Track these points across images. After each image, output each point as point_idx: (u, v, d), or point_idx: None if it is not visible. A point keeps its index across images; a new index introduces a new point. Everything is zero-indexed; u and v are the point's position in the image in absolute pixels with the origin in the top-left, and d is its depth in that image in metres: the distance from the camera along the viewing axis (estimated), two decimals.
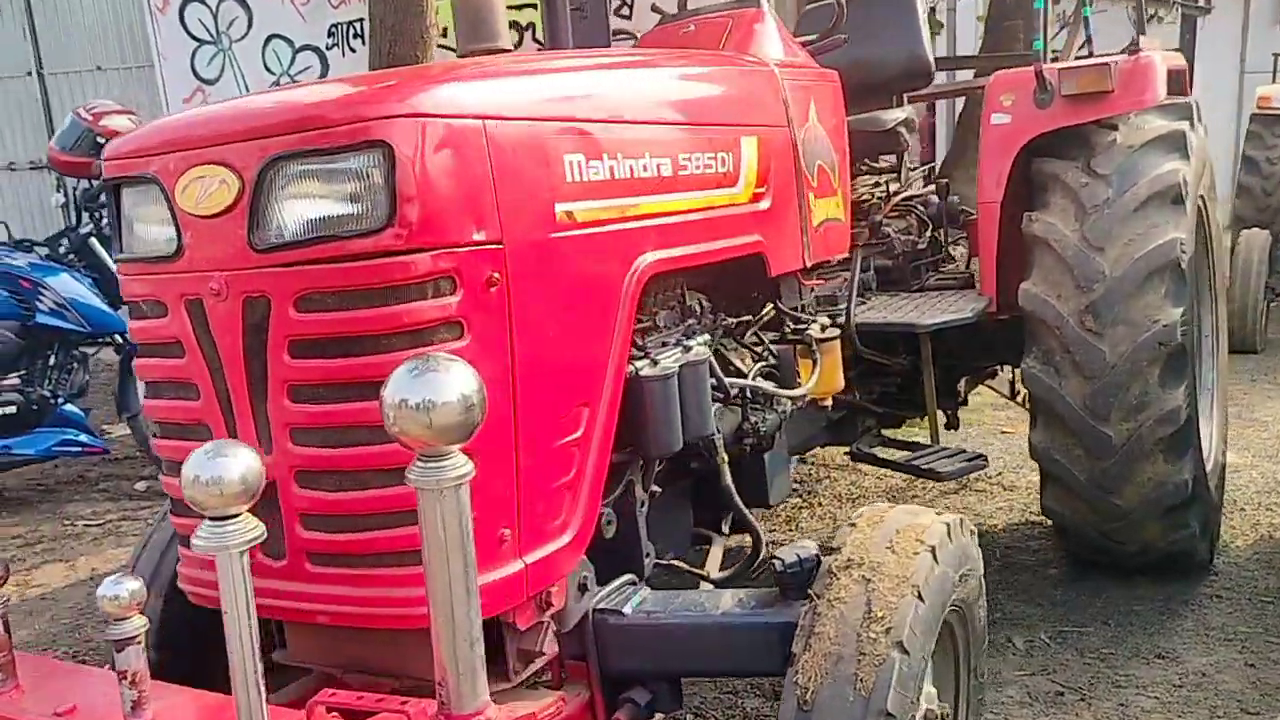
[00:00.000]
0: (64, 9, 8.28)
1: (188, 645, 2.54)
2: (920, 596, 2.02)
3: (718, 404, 2.70)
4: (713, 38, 3.26)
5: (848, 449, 4.20)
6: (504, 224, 1.89)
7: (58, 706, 1.64)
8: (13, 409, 5.41)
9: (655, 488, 2.62)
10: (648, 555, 2.51)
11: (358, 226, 1.77)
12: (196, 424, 1.98)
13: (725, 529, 3.42)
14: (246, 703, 1.44)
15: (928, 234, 4.49)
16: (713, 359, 2.57)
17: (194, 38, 7.61)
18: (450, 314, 1.81)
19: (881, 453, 4.15)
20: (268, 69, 7.54)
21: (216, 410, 1.94)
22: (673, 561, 2.67)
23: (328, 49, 7.31)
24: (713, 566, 2.86)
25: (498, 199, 1.89)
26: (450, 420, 1.44)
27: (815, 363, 2.99)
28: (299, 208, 1.79)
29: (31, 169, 8.73)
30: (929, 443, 4.15)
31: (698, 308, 2.71)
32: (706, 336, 2.66)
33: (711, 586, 2.76)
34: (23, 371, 5.55)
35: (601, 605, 2.30)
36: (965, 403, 5.23)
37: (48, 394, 5.58)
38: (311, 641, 2.22)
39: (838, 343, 3.05)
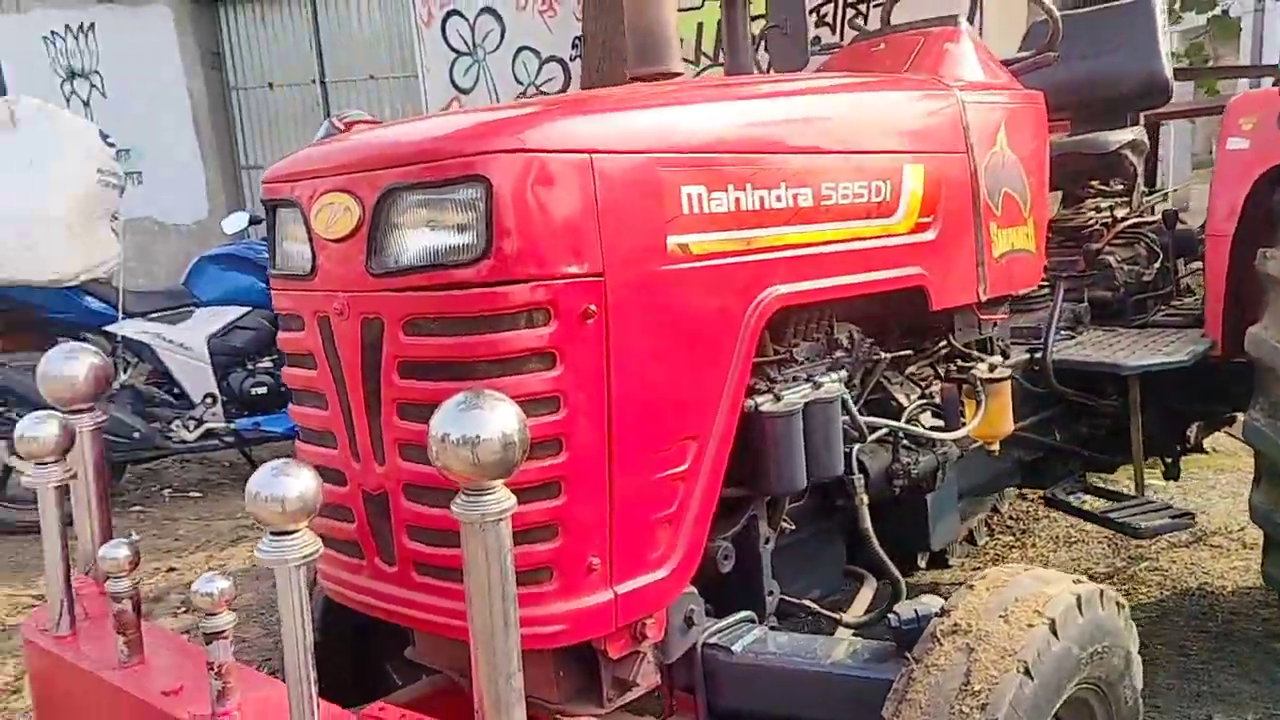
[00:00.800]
0: (345, 23, 9.05)
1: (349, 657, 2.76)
2: (1028, 673, 1.87)
3: (861, 443, 2.61)
4: (901, 58, 3.14)
5: (1043, 494, 3.92)
6: (606, 256, 1.91)
7: (167, 685, 1.81)
8: (264, 389, 5.97)
9: (789, 524, 2.56)
10: (770, 593, 2.46)
11: (460, 257, 1.84)
12: (325, 431, 2.12)
13: (921, 561, 3.26)
14: (299, 700, 1.54)
15: (1156, 265, 4.12)
16: (847, 396, 2.48)
17: (453, 49, 8.10)
18: (543, 344, 1.85)
19: (1079, 501, 3.85)
20: (517, 79, 7.91)
21: (340, 421, 2.07)
22: (804, 601, 2.60)
23: (571, 60, 7.58)
24: (858, 609, 2.76)
25: (601, 231, 1.90)
26: (490, 457, 1.47)
27: (980, 403, 2.82)
28: (409, 236, 1.88)
29: None
30: (1135, 494, 3.81)
31: (846, 340, 2.62)
32: (844, 372, 2.57)
33: (848, 631, 2.67)
34: (275, 356, 6.11)
35: (712, 640, 2.28)
36: (1201, 449, 4.78)
37: None
38: (433, 644, 2.33)
39: (1007, 384, 2.86)
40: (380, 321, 1.93)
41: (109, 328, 5.65)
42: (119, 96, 8.86)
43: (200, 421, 5.74)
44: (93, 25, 9.98)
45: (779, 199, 2.26)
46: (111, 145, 5.70)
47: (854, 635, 2.57)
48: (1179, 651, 3.87)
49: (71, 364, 2.18)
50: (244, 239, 6.96)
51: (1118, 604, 2.17)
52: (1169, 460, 4.15)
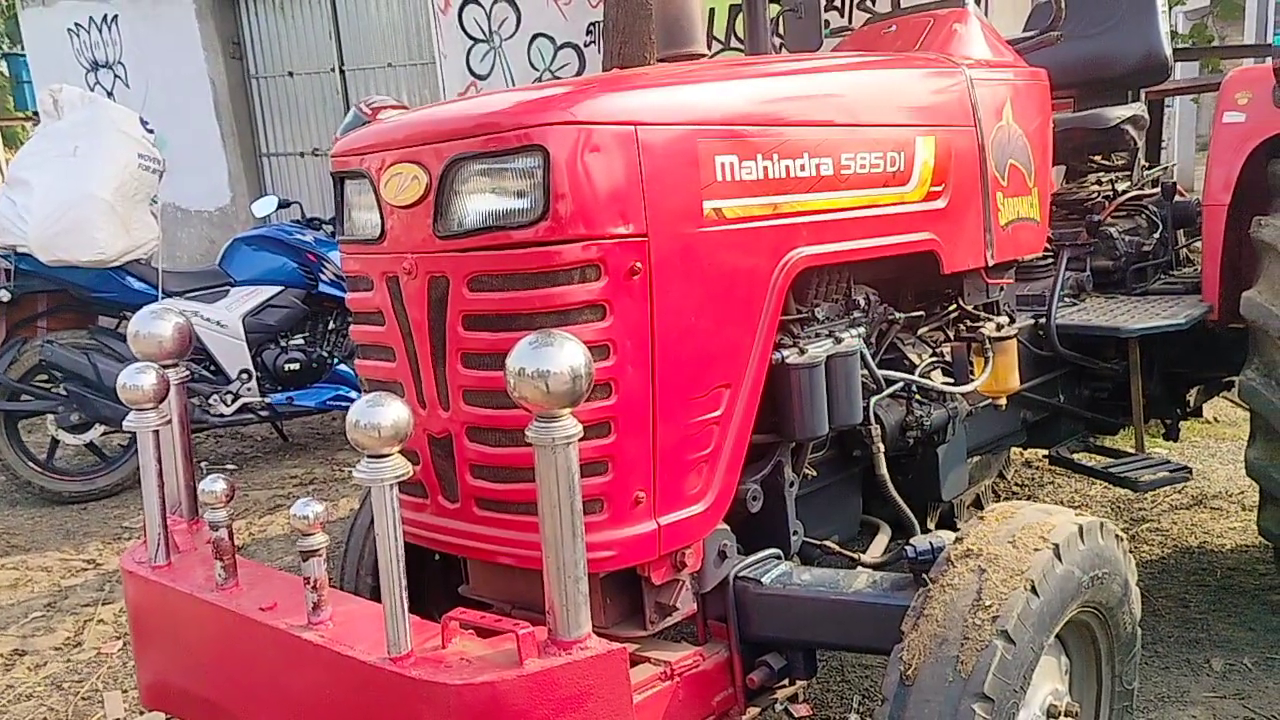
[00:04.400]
0: (363, 12, 9.23)
1: None
2: (1034, 590, 2.07)
3: (880, 396, 2.81)
4: (912, 38, 3.33)
5: (1047, 452, 4.13)
6: (650, 219, 2.11)
7: (263, 603, 2.03)
8: (297, 365, 6.19)
9: (811, 471, 2.77)
10: (795, 533, 2.66)
11: (519, 219, 2.05)
12: (393, 382, 2.33)
13: (931, 522, 3.46)
14: (392, 609, 1.75)
15: (1155, 236, 4.31)
16: (865, 351, 2.68)
17: (470, 36, 8.28)
18: (594, 297, 2.06)
19: (1081, 458, 4.06)
20: (532, 65, 8.09)
21: (408, 371, 2.28)
22: (826, 542, 2.80)
23: (585, 46, 7.76)
24: (874, 552, 2.97)
25: (645, 196, 2.11)
26: (560, 387, 1.68)
27: (987, 361, 3.03)
28: (473, 201, 2.09)
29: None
30: (1136, 451, 4.01)
31: (863, 301, 2.82)
32: (862, 330, 2.77)
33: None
34: (306, 334, 6.34)
35: (743, 573, 2.49)
36: (1199, 414, 4.97)
37: (326, 354, 6.34)
38: (488, 578, 2.54)
39: (1013, 343, 3.06)
40: (446, 279, 2.14)
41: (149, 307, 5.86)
42: (142, 87, 9.07)
43: (236, 396, 5.96)
44: (115, 17, 10.17)
45: (803, 168, 2.46)
46: (151, 132, 5.91)
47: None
48: (1179, 604, 4.08)
49: (159, 323, 2.39)
50: (272, 221, 7.18)
51: (1116, 536, 2.37)
52: (1169, 422, 4.34)
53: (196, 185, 9.86)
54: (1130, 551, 2.42)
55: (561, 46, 7.93)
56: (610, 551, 2.15)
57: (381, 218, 2.25)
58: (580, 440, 2.02)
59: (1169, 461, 3.86)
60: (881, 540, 3.05)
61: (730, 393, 2.34)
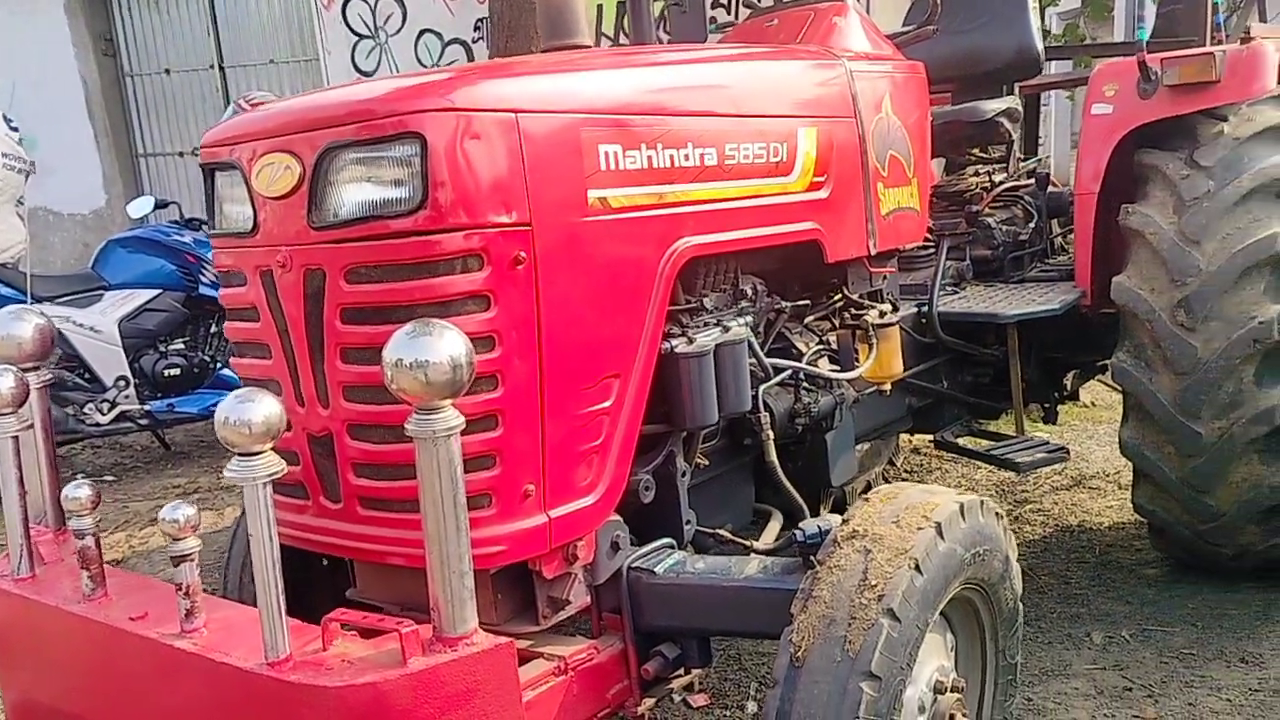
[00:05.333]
0: (242, 7, 8.98)
1: None
2: (918, 569, 2.11)
3: (768, 384, 2.83)
4: (793, 31, 3.37)
5: (933, 437, 4.23)
6: (533, 208, 2.09)
7: (133, 613, 1.94)
8: (178, 370, 5.99)
9: (702, 460, 2.77)
10: (688, 522, 2.67)
11: (397, 209, 2.00)
12: (270, 380, 2.25)
13: (824, 509, 3.51)
14: (269, 615, 1.69)
15: (1031, 225, 4.45)
16: (753, 339, 2.70)
17: (355, 33, 8.13)
18: (477, 288, 2.02)
19: (965, 442, 4.17)
20: (420, 61, 7.98)
21: (285, 369, 2.21)
22: (719, 531, 2.81)
23: (473, 42, 7.69)
24: (766, 539, 2.99)
25: (528, 185, 2.08)
26: (440, 378, 1.65)
27: (871, 348, 3.08)
28: (349, 191, 2.03)
29: None
30: (1016, 434, 4.14)
31: (750, 291, 2.84)
32: (749, 319, 2.79)
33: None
34: (187, 338, 6.13)
35: (636, 564, 2.48)
36: (1076, 397, 5.16)
37: (208, 359, 6.15)
38: (376, 580, 2.48)
39: (896, 330, 3.13)
40: (323, 272, 2.08)
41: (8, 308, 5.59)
42: (8, 85, 8.64)
43: (113, 404, 5.73)
44: None
45: (687, 158, 2.47)
46: (15, 130, 5.64)
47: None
48: (1061, 580, 4.22)
49: (18, 325, 2.27)
50: (150, 223, 6.92)
51: (996, 513, 2.43)
52: (1047, 406, 4.49)
53: (69, 187, 9.46)
54: (1010, 529, 2.48)
55: (449, 42, 7.84)
56: (499, 546, 2.12)
57: (254, 210, 2.17)
58: (466, 434, 1.99)
59: (1047, 443, 4.00)
60: (774, 527, 3.08)
61: (620, 383, 2.33)
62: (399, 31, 7.97)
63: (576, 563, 2.30)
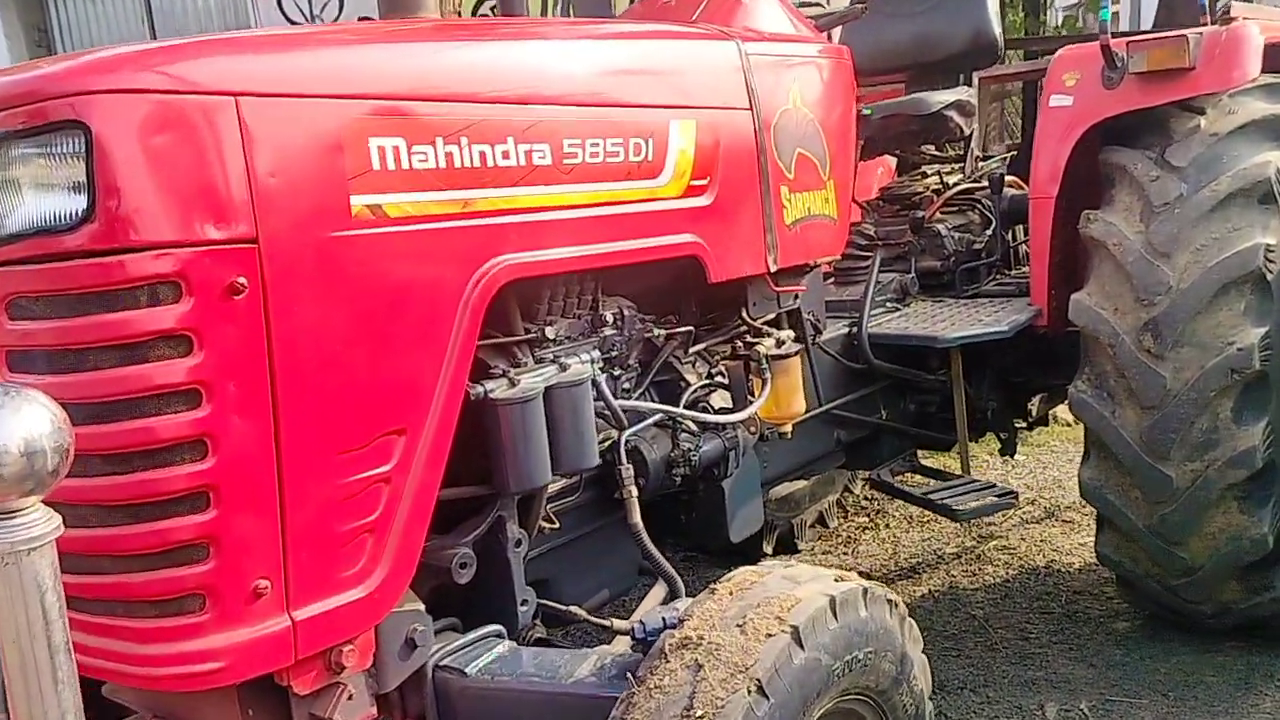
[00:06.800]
0: None
1: None
2: (762, 692, 1.62)
3: (630, 431, 2.34)
4: (688, 10, 2.88)
5: (866, 475, 3.72)
6: (261, 219, 1.60)
7: None
8: None
9: (549, 524, 2.29)
10: (524, 602, 2.18)
11: (63, 221, 1.51)
12: None
13: (768, 546, 2.98)
14: None
15: (988, 233, 3.95)
16: (599, 379, 2.20)
17: (290, 20, 7.68)
18: (172, 325, 1.53)
19: (903, 482, 3.67)
20: None
21: None
22: (571, 608, 2.33)
23: None
24: (638, 616, 2.51)
25: (254, 190, 1.59)
26: (12, 468, 1.15)
27: (765, 383, 2.58)
28: (8, 199, 1.55)
29: None
30: (961, 473, 3.63)
31: (613, 317, 2.35)
32: (610, 352, 2.30)
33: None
34: None
35: (445, 662, 2.00)
36: (1044, 422, 4.66)
37: None
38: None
39: (796, 362, 2.62)
40: None
41: None
42: None
43: None
44: None
45: (506, 155, 1.98)
46: None
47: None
48: (1019, 635, 3.73)
49: None
50: None
51: (889, 601, 1.94)
52: (1003, 436, 3.98)
53: None
54: (908, 619, 1.98)
55: None
56: (218, 663, 1.62)
57: None
58: (168, 516, 1.54)
59: (994, 486, 3.49)
60: (658, 594, 2.59)
61: (406, 440, 1.84)
62: (337, 18, 7.51)
63: (345, 672, 1.80)
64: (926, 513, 5.06)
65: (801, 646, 1.69)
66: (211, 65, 1.59)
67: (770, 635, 1.67)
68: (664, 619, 1.89)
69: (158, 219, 1.51)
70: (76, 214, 1.50)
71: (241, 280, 1.58)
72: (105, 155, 1.47)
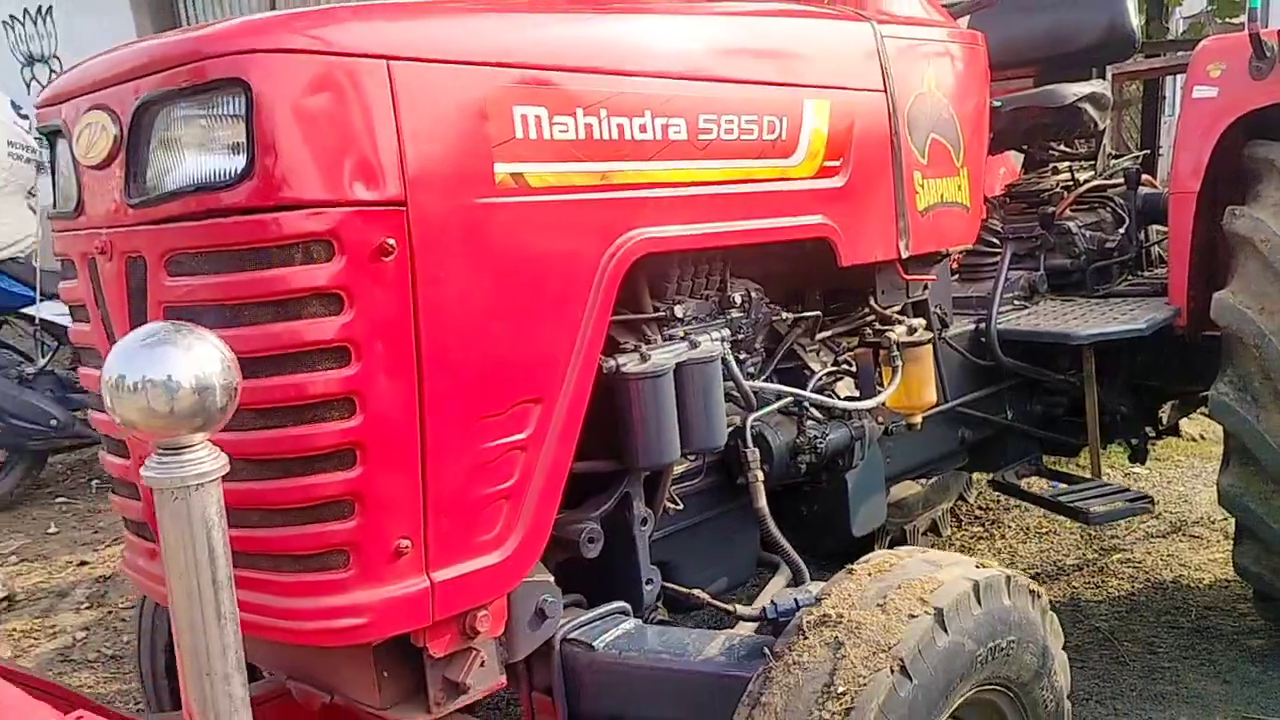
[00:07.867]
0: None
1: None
2: (905, 672, 1.57)
3: (757, 414, 2.31)
4: None
5: (989, 478, 3.61)
6: (410, 182, 1.61)
7: None
8: None
9: (673, 505, 2.27)
10: (649, 581, 2.16)
11: (222, 178, 1.55)
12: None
13: (879, 548, 2.95)
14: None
15: (1121, 231, 3.81)
16: (730, 358, 2.17)
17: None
18: (325, 284, 1.55)
19: (1031, 485, 3.55)
20: None
21: None
22: (694, 591, 2.30)
23: None
24: (761, 603, 2.47)
25: (403, 153, 1.61)
26: (184, 404, 1.17)
27: (896, 371, 2.52)
28: (169, 157, 1.59)
29: None
30: (1092, 477, 3.50)
31: (741, 299, 2.32)
32: (740, 333, 2.27)
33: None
34: None
35: (572, 635, 1.99)
36: (1175, 432, 4.47)
37: None
38: (256, 643, 2.04)
39: (928, 350, 2.55)
40: (143, 261, 1.64)
41: (27, 310, 5.36)
42: None
43: None
44: (50, 9, 9.73)
45: (643, 129, 1.96)
46: (25, 117, 5.40)
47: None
48: (1147, 649, 3.57)
49: None
50: None
51: (1031, 592, 1.86)
52: (1134, 443, 3.83)
53: None
54: (1049, 611, 1.90)
55: None
56: (359, 619, 1.64)
57: (77, 183, 1.75)
58: (315, 472, 1.56)
59: (1127, 490, 3.35)
60: (777, 584, 2.55)
61: (541, 410, 1.83)
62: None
63: (478, 637, 1.81)
64: (1044, 524, 4.92)
65: (945, 629, 1.63)
66: (365, 29, 1.61)
67: (913, 616, 1.62)
68: (796, 599, 1.85)
69: (313, 178, 1.53)
70: (235, 171, 1.53)
71: (391, 241, 1.59)
72: (264, 113, 1.50)
